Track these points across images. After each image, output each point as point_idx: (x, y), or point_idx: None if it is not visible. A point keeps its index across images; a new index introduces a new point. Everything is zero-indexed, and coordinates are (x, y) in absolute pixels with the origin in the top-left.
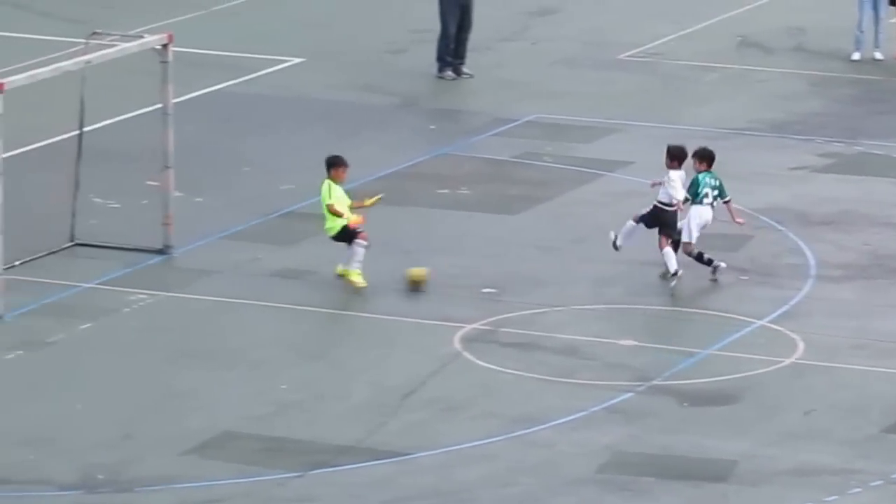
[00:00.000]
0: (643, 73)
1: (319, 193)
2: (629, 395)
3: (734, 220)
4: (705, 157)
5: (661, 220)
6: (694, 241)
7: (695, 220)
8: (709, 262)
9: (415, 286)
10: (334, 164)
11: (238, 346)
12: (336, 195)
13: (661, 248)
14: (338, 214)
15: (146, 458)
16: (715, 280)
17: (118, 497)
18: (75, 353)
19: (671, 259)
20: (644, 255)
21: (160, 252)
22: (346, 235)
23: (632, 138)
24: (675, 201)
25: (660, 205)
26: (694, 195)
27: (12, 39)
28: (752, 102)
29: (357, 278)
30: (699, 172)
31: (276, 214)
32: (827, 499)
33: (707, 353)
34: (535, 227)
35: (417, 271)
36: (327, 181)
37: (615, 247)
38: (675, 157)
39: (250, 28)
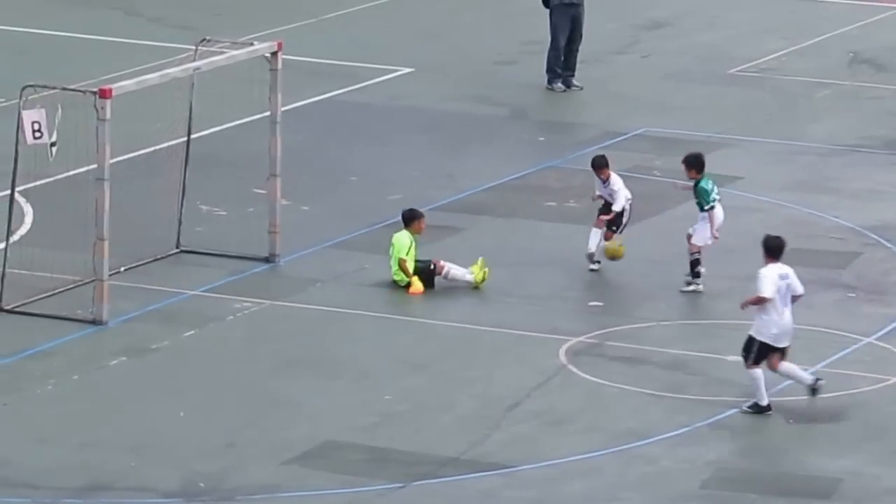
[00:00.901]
0: (754, 88)
1: (395, 238)
2: (734, 411)
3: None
4: (695, 164)
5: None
6: (705, 244)
7: (716, 223)
8: (696, 275)
9: (613, 257)
10: (414, 218)
11: (343, 355)
12: (412, 251)
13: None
14: (406, 273)
15: (248, 466)
16: (683, 292)
17: None
18: (179, 361)
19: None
20: (751, 270)
21: (266, 260)
22: (426, 280)
23: (742, 153)
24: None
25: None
26: (708, 201)
27: (122, 45)
28: (864, 119)
29: (479, 269)
30: (697, 179)
31: (383, 224)
32: None
33: (813, 371)
34: (643, 241)
35: (614, 247)
36: (406, 233)
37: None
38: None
39: (361, 37)
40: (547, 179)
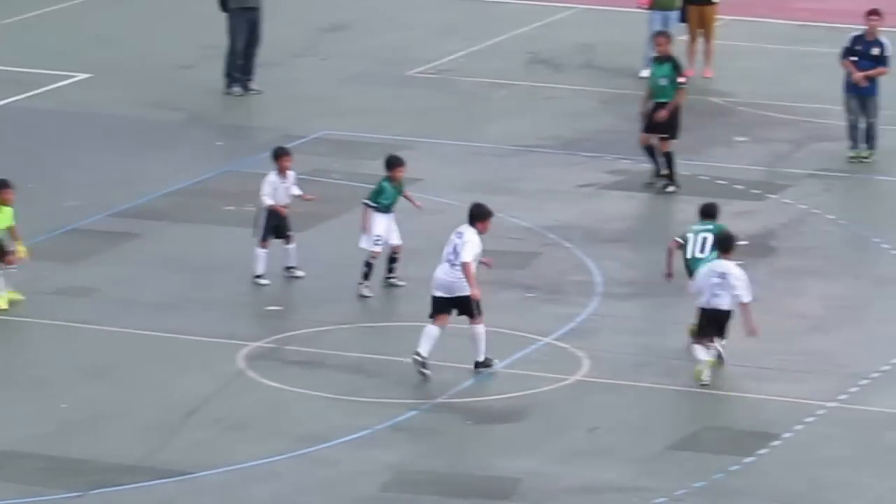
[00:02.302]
0: (433, 89)
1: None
2: (414, 412)
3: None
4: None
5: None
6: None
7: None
8: (365, 276)
9: None
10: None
11: (17, 364)
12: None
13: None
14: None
15: None
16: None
17: None
18: None
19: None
20: (425, 272)
21: None
22: None
23: (421, 155)
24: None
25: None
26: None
27: None
28: (541, 119)
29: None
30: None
31: (61, 231)
32: None
33: (492, 371)
34: (323, 244)
35: None
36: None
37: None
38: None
39: (37, 43)
40: (225, 184)
